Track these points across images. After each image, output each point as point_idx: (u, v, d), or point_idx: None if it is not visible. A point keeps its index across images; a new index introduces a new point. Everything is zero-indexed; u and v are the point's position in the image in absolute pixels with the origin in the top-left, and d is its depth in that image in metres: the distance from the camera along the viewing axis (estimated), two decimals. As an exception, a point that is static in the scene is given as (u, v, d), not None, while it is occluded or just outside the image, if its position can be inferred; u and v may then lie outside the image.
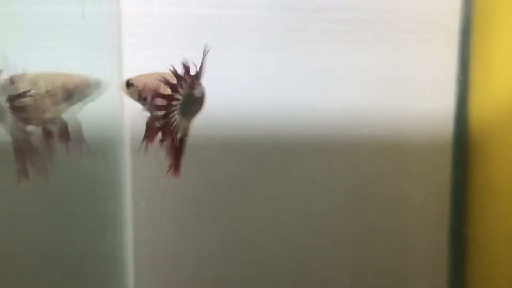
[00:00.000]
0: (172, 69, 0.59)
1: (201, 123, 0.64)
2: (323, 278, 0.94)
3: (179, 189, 0.90)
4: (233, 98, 0.89)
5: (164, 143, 0.62)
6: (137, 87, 0.63)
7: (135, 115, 0.79)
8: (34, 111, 0.62)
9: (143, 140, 0.62)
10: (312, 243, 0.94)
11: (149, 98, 0.62)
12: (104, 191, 0.88)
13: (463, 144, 0.94)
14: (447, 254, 0.96)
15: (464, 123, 0.94)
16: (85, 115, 0.67)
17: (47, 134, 0.64)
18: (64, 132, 0.65)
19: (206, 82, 0.62)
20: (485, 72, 0.91)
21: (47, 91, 0.63)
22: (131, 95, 0.63)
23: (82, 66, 0.78)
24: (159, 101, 0.61)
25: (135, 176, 0.88)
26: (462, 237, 0.95)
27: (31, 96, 0.61)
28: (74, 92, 0.65)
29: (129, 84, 0.63)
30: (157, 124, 0.61)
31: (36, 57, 0.78)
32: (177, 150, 0.62)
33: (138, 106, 0.64)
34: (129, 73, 0.78)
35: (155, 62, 0.65)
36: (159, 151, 0.61)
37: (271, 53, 0.88)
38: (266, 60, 0.88)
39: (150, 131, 0.62)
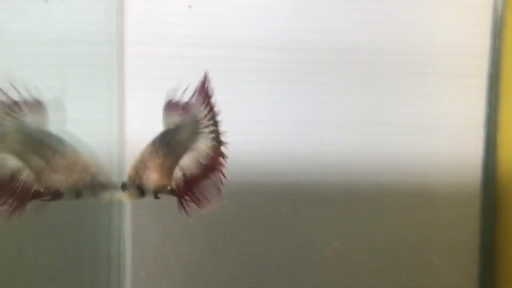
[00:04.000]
0: None
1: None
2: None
3: (183, 257, 0.84)
4: (236, 142, 0.83)
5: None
6: (131, 177, 0.59)
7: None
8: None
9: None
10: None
11: (147, 175, 0.59)
12: (100, 259, 0.81)
13: (492, 191, 0.91)
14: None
15: (493, 170, 0.91)
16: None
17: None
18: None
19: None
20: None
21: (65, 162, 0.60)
22: (132, 195, 0.60)
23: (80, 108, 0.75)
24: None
25: (135, 242, 0.82)
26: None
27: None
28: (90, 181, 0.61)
29: (124, 186, 0.60)
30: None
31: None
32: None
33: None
34: (131, 116, 0.74)
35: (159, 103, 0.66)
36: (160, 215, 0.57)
37: (286, 95, 0.86)
38: (280, 102, 0.86)
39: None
